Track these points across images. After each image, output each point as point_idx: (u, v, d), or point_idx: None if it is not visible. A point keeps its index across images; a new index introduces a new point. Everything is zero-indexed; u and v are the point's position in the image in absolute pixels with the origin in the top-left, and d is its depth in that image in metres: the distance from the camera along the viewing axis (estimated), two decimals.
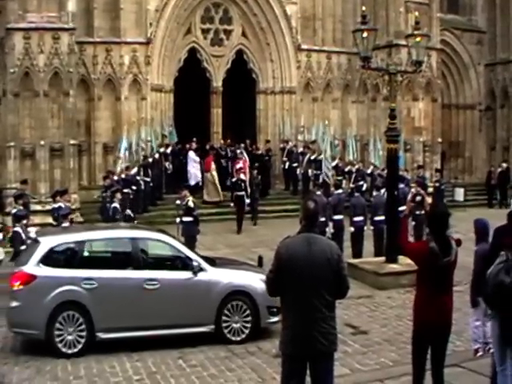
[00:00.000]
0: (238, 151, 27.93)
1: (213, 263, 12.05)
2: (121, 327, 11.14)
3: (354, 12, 30.38)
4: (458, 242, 7.54)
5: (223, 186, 27.82)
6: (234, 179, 25.64)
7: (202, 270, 11.56)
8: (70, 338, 10.93)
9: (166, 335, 11.35)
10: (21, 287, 11.04)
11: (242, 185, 24.58)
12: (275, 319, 11.08)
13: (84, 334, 10.99)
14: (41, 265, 11.13)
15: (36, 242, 11.77)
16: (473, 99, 36.49)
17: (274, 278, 6.55)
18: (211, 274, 11.68)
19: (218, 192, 27.22)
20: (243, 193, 24.41)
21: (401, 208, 15.99)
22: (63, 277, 11.09)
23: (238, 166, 25.84)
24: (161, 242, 12.05)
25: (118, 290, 11.18)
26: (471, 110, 36.56)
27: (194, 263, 11.59)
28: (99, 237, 12.22)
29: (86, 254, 11.75)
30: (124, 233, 12.59)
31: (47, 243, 11.46)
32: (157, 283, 11.28)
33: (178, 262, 11.82)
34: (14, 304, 11.02)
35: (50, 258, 11.26)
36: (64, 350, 10.89)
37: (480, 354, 9.97)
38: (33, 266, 11.12)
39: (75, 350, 10.93)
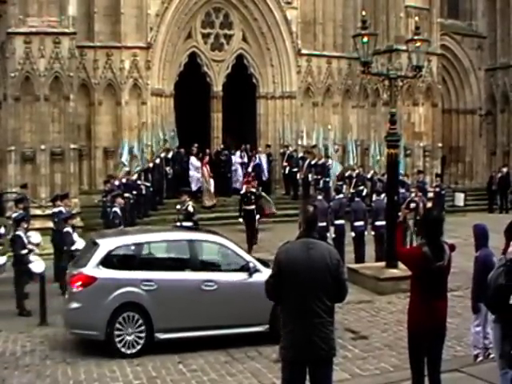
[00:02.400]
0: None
1: (266, 265, 12.11)
2: (179, 328, 11.33)
3: (355, 17, 30.43)
4: (452, 248, 7.60)
5: (224, 191, 27.93)
6: (242, 191, 23.43)
7: (257, 271, 11.67)
8: (129, 338, 11.11)
9: (222, 335, 11.51)
10: (81, 289, 11.17)
11: (252, 198, 22.15)
12: None
13: (143, 334, 11.18)
14: (100, 267, 11.31)
15: (94, 244, 11.87)
16: (473, 104, 36.52)
17: (274, 282, 6.57)
18: (266, 275, 11.69)
19: (211, 196, 27.18)
20: (253, 207, 21.96)
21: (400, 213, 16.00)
22: (123, 278, 11.28)
23: (249, 178, 24.43)
24: (217, 243, 12.26)
25: (177, 292, 11.38)
26: (471, 114, 36.60)
27: (250, 265, 11.75)
28: (157, 239, 12.41)
29: (144, 255, 11.91)
30: (182, 235, 12.74)
31: (106, 245, 11.64)
32: (214, 284, 11.49)
33: (234, 264, 12.01)
34: (74, 305, 11.21)
35: (110, 260, 11.45)
36: (123, 350, 11.06)
37: (480, 359, 9.97)
38: (92, 268, 11.29)
39: (134, 350, 11.11)
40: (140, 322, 11.16)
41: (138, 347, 11.14)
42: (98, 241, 11.92)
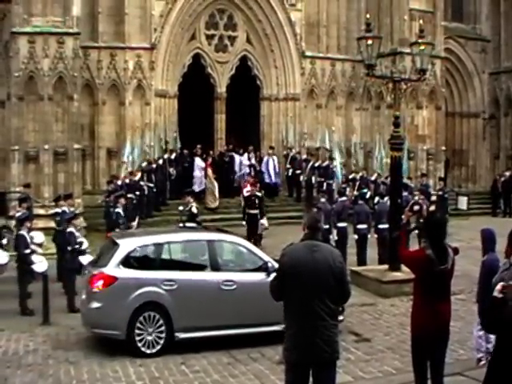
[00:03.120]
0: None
1: None
2: (199, 327, 11.40)
3: (359, 19, 30.49)
4: (456, 251, 7.59)
5: (227, 192, 27.92)
6: (246, 194, 22.82)
7: (275, 270, 11.62)
8: (149, 338, 11.16)
9: (241, 334, 11.56)
10: (102, 289, 11.21)
11: (256, 202, 21.68)
12: (341, 317, 11.11)
13: (163, 334, 11.23)
14: (121, 266, 11.35)
15: (114, 244, 11.90)
16: (477, 107, 36.50)
17: (278, 284, 6.58)
18: None
19: (215, 198, 27.14)
20: (257, 211, 21.48)
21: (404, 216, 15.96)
22: (144, 278, 11.35)
23: (251, 181, 23.79)
24: (236, 244, 12.37)
25: (197, 291, 11.47)
26: (475, 118, 36.57)
27: (268, 264, 11.76)
28: (177, 239, 12.48)
29: (164, 255, 11.96)
30: (201, 235, 12.86)
31: (127, 245, 11.69)
32: (233, 284, 11.59)
33: (253, 264, 12.07)
34: (95, 305, 11.22)
35: (130, 260, 11.52)
36: (144, 349, 11.11)
37: (483, 362, 9.93)
38: (113, 268, 11.33)
39: (154, 349, 11.15)
40: (160, 321, 11.21)
41: (158, 347, 11.18)
42: (118, 241, 11.97)
